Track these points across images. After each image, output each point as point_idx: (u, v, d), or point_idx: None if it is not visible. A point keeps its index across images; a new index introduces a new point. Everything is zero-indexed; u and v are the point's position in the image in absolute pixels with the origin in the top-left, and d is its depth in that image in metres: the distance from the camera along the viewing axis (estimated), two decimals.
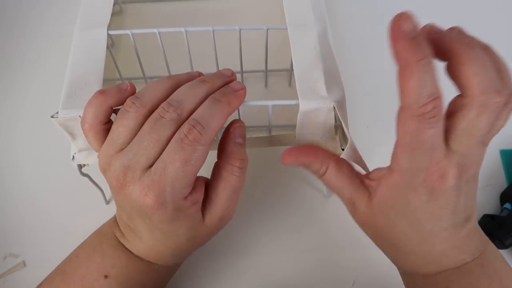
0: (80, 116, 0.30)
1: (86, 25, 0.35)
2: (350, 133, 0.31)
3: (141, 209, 0.27)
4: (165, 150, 0.26)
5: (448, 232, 0.27)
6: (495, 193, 0.42)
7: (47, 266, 0.37)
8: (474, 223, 0.27)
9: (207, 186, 0.30)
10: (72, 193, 0.41)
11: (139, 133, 0.26)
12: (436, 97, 0.21)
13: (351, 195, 0.29)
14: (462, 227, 0.27)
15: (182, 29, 0.35)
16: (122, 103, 0.28)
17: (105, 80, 0.33)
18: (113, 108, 0.28)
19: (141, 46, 0.37)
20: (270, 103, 0.30)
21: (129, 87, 0.28)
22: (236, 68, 0.41)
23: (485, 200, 0.41)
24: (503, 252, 0.38)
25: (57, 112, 0.30)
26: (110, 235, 0.32)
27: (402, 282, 0.32)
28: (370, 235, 0.31)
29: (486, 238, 0.29)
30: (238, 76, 0.42)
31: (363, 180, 0.29)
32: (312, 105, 0.30)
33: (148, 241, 0.30)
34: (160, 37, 0.36)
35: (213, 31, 0.36)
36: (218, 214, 0.30)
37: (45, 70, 0.48)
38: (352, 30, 0.51)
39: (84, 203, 0.41)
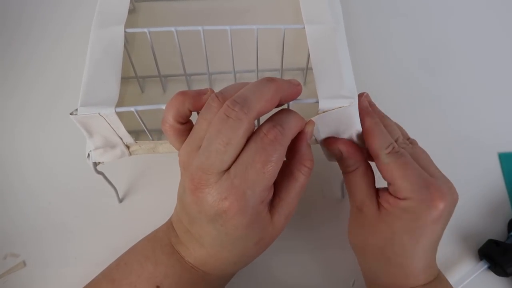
0: (99, 114, 0.30)
1: (103, 23, 0.35)
2: None
3: (217, 214, 0.26)
4: (244, 151, 0.26)
5: (433, 251, 0.31)
6: (492, 197, 0.41)
7: (47, 266, 0.37)
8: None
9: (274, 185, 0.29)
10: (73, 192, 0.41)
11: (209, 131, 0.26)
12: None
13: (364, 200, 0.31)
14: (436, 250, 0.31)
15: (199, 28, 0.35)
16: (201, 106, 0.27)
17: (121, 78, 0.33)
18: (191, 111, 0.28)
19: (154, 45, 0.37)
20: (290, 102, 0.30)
21: (208, 91, 0.28)
22: (251, 66, 0.41)
23: (481, 204, 0.41)
24: (503, 280, 0.38)
25: (76, 110, 0.30)
26: (165, 241, 0.31)
27: None
28: (360, 243, 0.33)
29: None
30: (253, 75, 0.42)
31: (378, 193, 0.32)
32: (332, 104, 0.30)
33: (211, 248, 0.29)
34: (177, 36, 0.35)
35: (230, 30, 0.35)
36: (286, 212, 0.29)
37: (50, 71, 0.48)
38: (355, 30, 0.51)
39: (95, 202, 0.40)
